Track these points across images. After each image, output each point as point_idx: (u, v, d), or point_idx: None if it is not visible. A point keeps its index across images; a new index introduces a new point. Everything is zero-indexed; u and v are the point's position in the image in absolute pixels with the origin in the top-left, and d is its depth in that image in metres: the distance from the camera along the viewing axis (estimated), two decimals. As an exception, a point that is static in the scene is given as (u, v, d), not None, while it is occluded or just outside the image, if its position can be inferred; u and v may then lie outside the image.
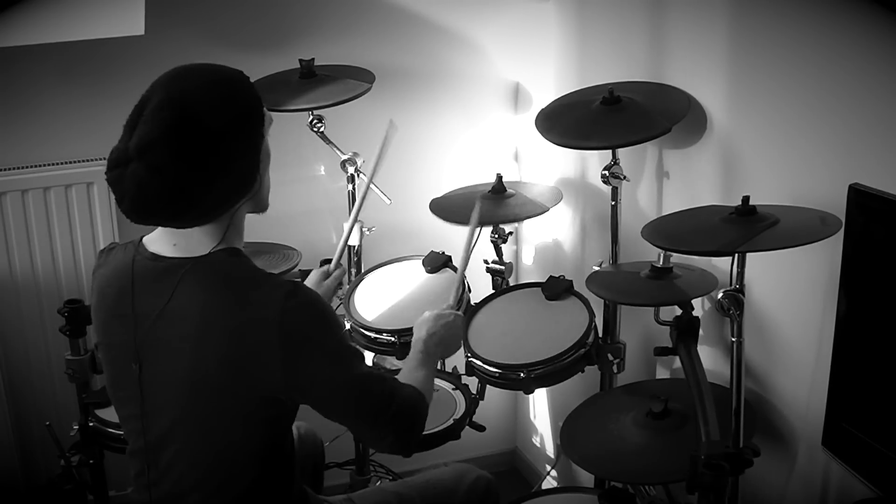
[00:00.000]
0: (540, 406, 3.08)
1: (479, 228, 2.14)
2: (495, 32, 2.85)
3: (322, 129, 2.52)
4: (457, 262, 2.30)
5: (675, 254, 1.94)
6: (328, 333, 1.54)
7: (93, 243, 2.58)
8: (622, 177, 2.21)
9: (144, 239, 1.61)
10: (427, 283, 2.45)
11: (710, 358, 2.13)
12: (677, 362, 1.84)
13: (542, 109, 2.31)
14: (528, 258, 3.04)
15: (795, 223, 1.68)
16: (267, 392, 1.51)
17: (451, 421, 2.25)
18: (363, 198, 2.28)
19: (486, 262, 2.50)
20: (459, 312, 1.94)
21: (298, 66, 2.49)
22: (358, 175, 2.56)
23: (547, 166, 2.83)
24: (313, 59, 2.50)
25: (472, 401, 2.32)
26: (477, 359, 2.17)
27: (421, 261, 2.50)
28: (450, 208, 2.42)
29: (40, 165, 2.53)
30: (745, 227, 1.66)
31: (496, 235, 2.48)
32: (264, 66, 2.48)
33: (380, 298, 2.42)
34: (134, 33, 2.35)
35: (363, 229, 2.62)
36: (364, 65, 2.58)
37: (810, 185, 1.82)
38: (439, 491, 1.92)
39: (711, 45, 2.05)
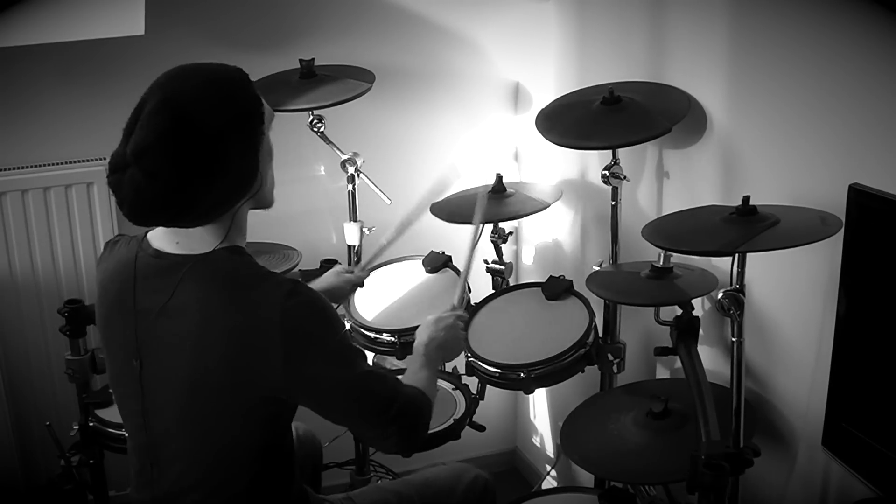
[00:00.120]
0: (540, 406, 3.08)
1: (481, 226, 2.14)
2: (495, 32, 2.85)
3: (322, 129, 2.52)
4: (458, 262, 2.29)
5: (675, 254, 1.94)
6: (329, 332, 1.53)
7: (93, 243, 2.58)
8: (622, 177, 2.21)
9: (149, 235, 1.61)
10: (427, 283, 2.46)
11: (710, 358, 2.13)
12: (677, 362, 1.84)
13: (542, 109, 2.31)
14: (528, 258, 3.04)
15: (795, 223, 1.68)
16: (267, 391, 1.51)
17: (451, 421, 2.25)
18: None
19: (486, 262, 2.51)
20: (462, 313, 1.94)
21: (298, 66, 2.49)
22: (358, 175, 2.56)
23: (547, 166, 2.83)
24: (313, 59, 2.50)
25: (472, 401, 2.32)
26: (477, 359, 2.17)
27: (421, 261, 2.50)
28: (450, 208, 2.42)
29: (40, 165, 2.53)
30: (746, 227, 1.66)
31: (496, 235, 2.48)
32: (264, 66, 2.48)
33: (380, 298, 2.42)
34: (134, 33, 2.35)
35: (363, 229, 2.62)
36: (364, 65, 2.58)
37: (810, 185, 1.82)
38: (437, 490, 1.92)
39: (711, 45, 2.05)
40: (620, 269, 2.22)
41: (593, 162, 2.54)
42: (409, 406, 1.62)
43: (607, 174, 2.21)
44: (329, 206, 2.79)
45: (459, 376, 2.40)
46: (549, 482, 2.92)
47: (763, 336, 2.00)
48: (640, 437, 1.90)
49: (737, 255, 1.68)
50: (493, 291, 2.47)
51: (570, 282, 2.32)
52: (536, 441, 3.13)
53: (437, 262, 2.47)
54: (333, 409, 1.58)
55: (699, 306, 2.12)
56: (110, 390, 2.21)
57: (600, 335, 2.28)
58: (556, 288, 2.32)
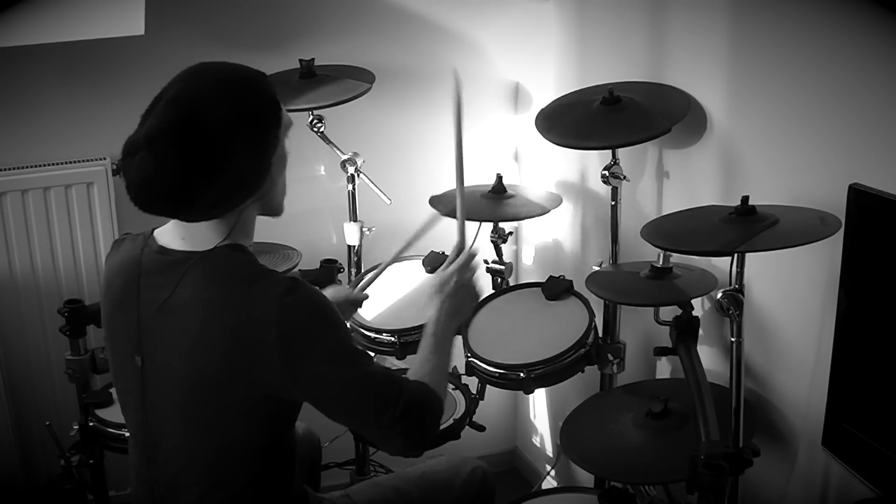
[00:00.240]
0: (540, 406, 3.08)
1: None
2: (495, 32, 2.85)
3: (322, 129, 2.52)
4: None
5: (674, 254, 1.94)
6: (327, 330, 1.52)
7: (93, 243, 2.58)
8: (622, 177, 2.21)
9: (156, 231, 1.62)
10: (427, 283, 2.45)
11: (710, 358, 2.13)
12: (677, 362, 1.84)
13: (542, 109, 2.31)
14: (528, 258, 3.04)
15: (795, 223, 1.68)
16: (266, 389, 1.51)
17: (451, 421, 2.25)
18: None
19: (486, 262, 2.50)
20: (462, 261, 1.82)
21: (298, 66, 2.49)
22: (358, 175, 2.56)
23: (547, 166, 2.83)
24: (313, 59, 2.50)
25: (472, 401, 2.32)
26: (477, 359, 2.17)
27: (421, 261, 2.50)
28: (451, 205, 2.42)
29: (40, 165, 2.53)
30: (745, 227, 1.66)
31: (496, 235, 2.48)
32: (264, 66, 2.44)
33: (380, 298, 2.42)
34: (134, 33, 2.35)
35: (363, 229, 2.62)
36: (364, 65, 2.58)
37: (810, 185, 1.82)
38: (436, 483, 1.92)
39: (711, 45, 2.05)
40: (620, 269, 2.22)
41: (593, 162, 2.54)
42: (413, 405, 1.57)
43: (607, 174, 2.21)
44: (329, 206, 2.79)
45: (459, 376, 2.39)
46: (549, 482, 2.92)
47: (763, 336, 2.00)
48: (640, 437, 1.90)
49: (736, 255, 1.68)
50: (493, 291, 2.47)
51: (570, 282, 2.32)
52: (536, 441, 3.13)
53: (437, 262, 2.46)
54: (333, 409, 1.57)
55: (699, 306, 2.12)
56: (111, 389, 2.23)
57: (600, 335, 2.28)
58: (556, 288, 2.32)
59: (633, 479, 2.02)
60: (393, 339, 2.28)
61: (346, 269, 2.65)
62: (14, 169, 2.51)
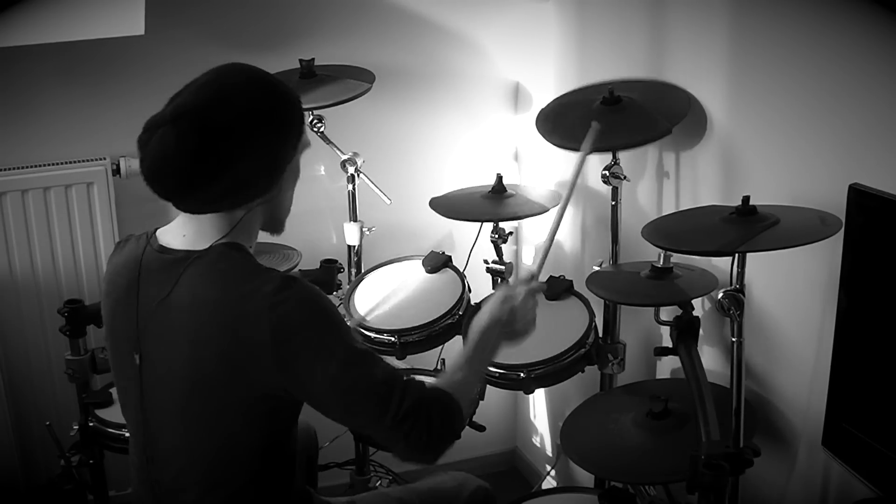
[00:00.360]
0: (540, 406, 3.08)
1: (584, 161, 1.86)
2: (495, 32, 2.85)
3: (322, 129, 2.52)
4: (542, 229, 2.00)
5: (675, 254, 1.94)
6: (321, 329, 1.50)
7: (93, 243, 2.58)
8: (622, 177, 2.21)
9: (158, 231, 1.62)
10: (427, 283, 2.46)
11: (710, 358, 2.13)
12: (677, 362, 1.84)
13: (542, 109, 2.31)
14: (528, 258, 3.04)
15: (795, 223, 1.68)
16: (264, 388, 1.51)
17: (451, 421, 2.25)
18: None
19: (486, 262, 2.50)
20: (539, 284, 1.73)
21: (298, 66, 2.49)
22: (358, 175, 2.56)
23: (547, 166, 2.83)
24: (313, 59, 2.50)
25: (472, 401, 2.32)
26: (477, 359, 2.17)
27: (421, 261, 2.50)
28: (450, 205, 2.42)
29: (40, 165, 2.53)
30: (745, 227, 1.66)
31: (496, 235, 2.48)
32: (264, 66, 2.44)
33: (380, 298, 2.42)
34: (134, 33, 2.35)
35: (363, 229, 2.62)
36: (364, 65, 2.59)
37: (810, 185, 1.82)
38: (440, 499, 1.91)
39: (711, 45, 2.05)
40: (620, 269, 2.22)
41: (593, 162, 2.54)
42: (419, 407, 1.50)
43: (607, 174, 2.21)
44: (329, 206, 2.79)
45: (459, 376, 2.39)
46: (549, 482, 2.92)
47: (763, 336, 2.00)
48: (640, 437, 1.90)
49: (737, 255, 1.68)
50: (493, 291, 2.47)
51: (570, 282, 2.32)
52: (536, 441, 3.13)
53: (437, 262, 2.47)
54: (331, 408, 1.54)
55: (699, 306, 2.12)
56: (111, 389, 2.23)
57: (600, 335, 2.28)
58: (556, 288, 2.31)
59: (633, 479, 2.02)
60: (393, 339, 2.28)
61: (346, 269, 2.65)
62: (14, 169, 2.51)
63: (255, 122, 1.50)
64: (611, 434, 1.95)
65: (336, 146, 2.54)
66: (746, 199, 1.70)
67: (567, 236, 2.79)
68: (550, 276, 2.35)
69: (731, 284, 1.72)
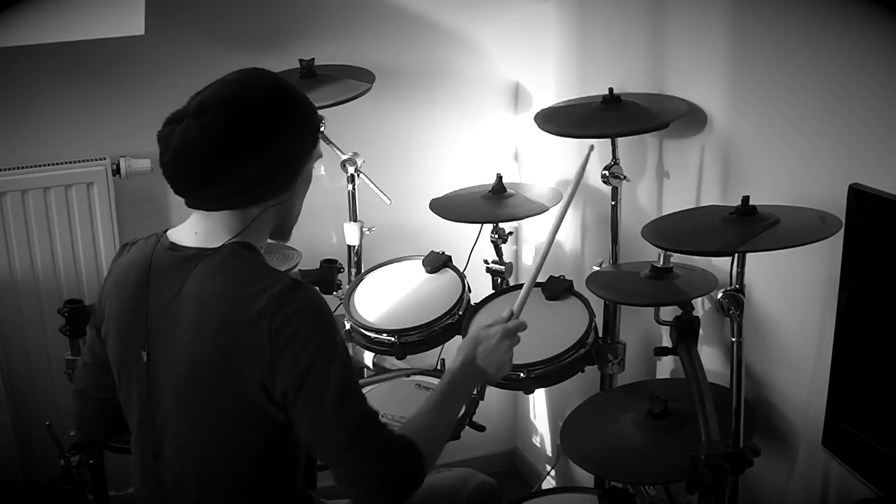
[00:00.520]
0: (540, 406, 3.08)
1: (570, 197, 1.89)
2: (495, 33, 2.85)
3: (322, 129, 2.52)
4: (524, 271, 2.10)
5: (675, 254, 1.94)
6: (323, 334, 1.49)
7: (93, 243, 2.58)
8: (622, 177, 2.21)
9: (168, 231, 1.63)
10: (427, 283, 2.45)
11: (710, 358, 2.13)
12: (677, 362, 1.84)
13: (542, 110, 2.31)
14: (528, 258, 3.04)
15: (795, 223, 1.68)
16: (261, 388, 1.51)
17: (451, 421, 2.24)
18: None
19: (486, 262, 2.51)
20: (517, 322, 1.74)
21: (298, 66, 2.49)
22: (358, 175, 2.56)
23: (547, 166, 2.83)
24: (313, 60, 2.50)
25: (472, 401, 2.32)
26: (477, 359, 2.17)
27: (421, 261, 2.50)
28: (449, 207, 2.42)
29: (40, 165, 2.53)
30: (745, 227, 1.66)
31: (496, 235, 2.49)
32: (264, 66, 2.44)
33: (380, 298, 2.42)
34: (134, 33, 2.35)
35: (363, 229, 2.62)
36: (364, 65, 2.59)
37: (810, 185, 1.82)
38: (442, 495, 1.90)
39: (712, 45, 2.05)
40: (620, 269, 2.22)
41: (593, 162, 2.53)
42: (381, 456, 1.47)
43: (607, 174, 2.21)
44: (329, 206, 2.79)
45: (459, 376, 2.39)
46: (549, 482, 2.92)
47: (763, 336, 2.00)
48: (640, 437, 1.90)
49: (736, 255, 1.68)
50: (493, 291, 2.47)
51: (570, 282, 2.32)
52: (536, 441, 3.13)
53: (437, 262, 2.47)
54: (307, 422, 1.49)
55: (699, 306, 2.12)
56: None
57: (600, 335, 2.28)
58: (556, 288, 2.31)
59: (633, 479, 2.02)
60: (393, 339, 2.28)
61: (346, 269, 2.65)
62: (14, 169, 2.51)
63: (279, 117, 1.52)
64: (611, 434, 1.95)
65: (336, 146, 2.54)
66: (746, 199, 1.70)
67: (567, 236, 2.79)
68: (550, 276, 2.35)
69: (730, 284, 1.72)
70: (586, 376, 2.27)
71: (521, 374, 2.10)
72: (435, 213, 2.38)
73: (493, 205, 2.40)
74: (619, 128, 2.11)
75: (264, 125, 1.51)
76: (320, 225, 2.83)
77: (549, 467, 3.02)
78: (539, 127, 2.22)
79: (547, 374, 2.11)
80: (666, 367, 2.38)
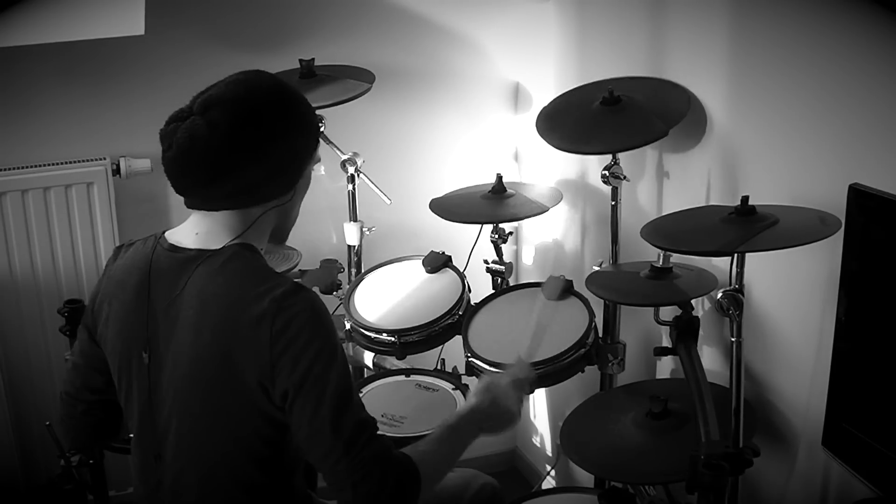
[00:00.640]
0: (540, 406, 3.08)
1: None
2: (495, 32, 2.85)
3: (322, 129, 2.52)
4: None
5: (674, 254, 1.94)
6: (323, 338, 1.49)
7: (93, 243, 2.58)
8: (622, 177, 2.21)
9: (167, 232, 1.63)
10: (427, 283, 2.45)
11: (710, 358, 2.13)
12: (677, 362, 1.84)
13: (543, 109, 2.31)
14: (528, 258, 3.04)
15: (795, 223, 1.68)
16: (260, 389, 1.51)
17: (451, 421, 2.24)
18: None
19: (486, 262, 2.51)
20: (527, 374, 1.78)
21: (298, 66, 2.49)
22: (358, 175, 2.56)
23: (547, 166, 2.83)
24: (313, 59, 2.50)
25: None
26: (477, 359, 2.17)
27: (421, 261, 2.50)
28: (449, 207, 2.43)
29: (40, 165, 2.53)
30: (745, 227, 1.66)
31: (496, 235, 2.49)
32: (264, 66, 2.43)
33: (380, 298, 2.42)
34: (134, 33, 2.35)
35: (363, 229, 2.62)
36: (364, 65, 2.59)
37: (810, 185, 1.82)
38: (445, 496, 1.90)
39: (711, 45, 2.05)
40: (620, 269, 2.22)
41: (593, 162, 2.54)
42: (376, 463, 1.46)
43: (607, 174, 2.21)
44: (329, 206, 2.79)
45: (459, 376, 2.39)
46: (549, 482, 2.92)
47: (763, 336, 2.00)
48: (640, 437, 1.90)
49: (736, 255, 1.68)
50: (493, 291, 2.47)
51: (570, 282, 2.32)
52: (536, 441, 3.13)
53: (437, 262, 2.47)
54: (304, 426, 1.48)
55: (699, 306, 2.12)
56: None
57: (600, 335, 2.28)
58: (554, 287, 2.31)
59: (633, 479, 2.02)
60: (393, 339, 2.28)
61: (346, 269, 2.65)
62: (14, 169, 2.51)
63: (283, 118, 1.53)
64: (611, 434, 1.95)
65: (336, 146, 2.54)
66: (746, 199, 1.70)
67: (567, 236, 2.79)
68: (550, 276, 2.35)
69: (730, 284, 1.72)
70: (586, 376, 2.27)
71: (521, 374, 2.10)
72: (435, 213, 2.39)
73: (493, 205, 2.40)
74: (619, 141, 2.12)
75: (269, 125, 1.51)
76: (320, 225, 2.83)
77: (549, 467, 3.02)
78: (540, 135, 2.22)
79: (547, 373, 2.11)
80: (666, 367, 2.38)
